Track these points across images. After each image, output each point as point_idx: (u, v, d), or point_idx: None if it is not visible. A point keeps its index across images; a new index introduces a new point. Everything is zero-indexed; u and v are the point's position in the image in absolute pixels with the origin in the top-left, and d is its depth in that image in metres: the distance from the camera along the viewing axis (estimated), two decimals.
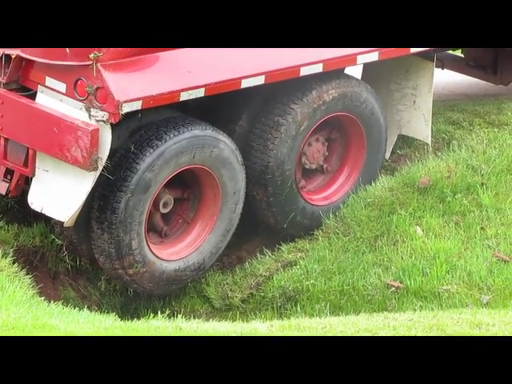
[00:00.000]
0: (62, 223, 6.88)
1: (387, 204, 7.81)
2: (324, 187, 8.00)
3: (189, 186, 7.37)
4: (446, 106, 8.99)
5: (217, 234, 7.47)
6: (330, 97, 7.63)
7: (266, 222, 7.86)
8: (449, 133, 8.61)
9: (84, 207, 6.81)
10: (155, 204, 7.13)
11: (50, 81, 6.64)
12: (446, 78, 9.34)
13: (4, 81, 6.81)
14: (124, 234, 6.95)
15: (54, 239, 7.49)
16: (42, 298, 6.82)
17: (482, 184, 7.93)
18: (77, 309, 6.78)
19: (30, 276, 7.10)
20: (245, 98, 7.39)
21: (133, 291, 7.40)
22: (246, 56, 7.10)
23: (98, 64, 6.44)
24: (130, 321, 6.52)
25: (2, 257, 7.08)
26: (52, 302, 6.78)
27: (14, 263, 7.07)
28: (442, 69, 8.99)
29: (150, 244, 7.18)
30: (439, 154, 8.31)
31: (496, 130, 8.60)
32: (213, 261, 7.56)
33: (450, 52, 9.22)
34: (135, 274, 7.11)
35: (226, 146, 7.18)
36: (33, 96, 6.81)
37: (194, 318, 6.90)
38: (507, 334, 5.88)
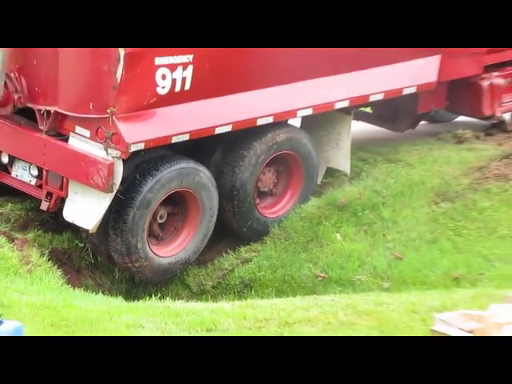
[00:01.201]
0: (88, 230, 7.00)
1: (316, 217, 7.89)
2: (272, 205, 7.99)
3: (178, 204, 7.37)
4: (358, 147, 8.84)
5: (198, 238, 7.46)
6: (281, 139, 7.69)
7: (231, 227, 7.78)
8: (359, 167, 8.61)
9: (103, 219, 6.90)
10: (154, 216, 7.17)
11: (78, 129, 6.77)
12: (358, 128, 9.22)
13: (45, 129, 6.90)
14: (132, 238, 6.99)
15: (77, 243, 7.47)
16: (69, 286, 6.96)
17: (383, 203, 8.04)
18: (94, 293, 6.87)
19: (60, 270, 7.18)
20: (219, 138, 7.36)
21: (138, 279, 7.34)
22: (219, 110, 7.14)
23: (113, 116, 6.51)
24: (132, 302, 6.61)
25: (41, 256, 7.13)
26: (76, 288, 6.92)
27: (48, 260, 7.17)
28: (357, 121, 9.07)
29: (150, 245, 7.21)
30: (353, 182, 8.36)
31: (393, 164, 8.64)
32: (195, 257, 7.54)
33: (362, 109, 9.15)
34: (140, 266, 7.15)
35: (204, 174, 7.24)
36: (66, 139, 6.92)
37: (178, 299, 6.90)
38: (401, 311, 5.97)
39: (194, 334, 5.56)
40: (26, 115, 7.11)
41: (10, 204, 7.63)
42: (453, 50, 8.35)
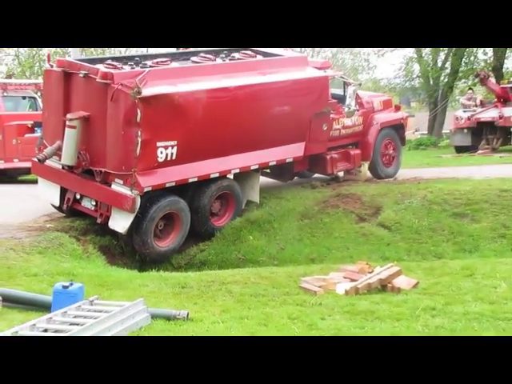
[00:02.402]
0: (122, 233, 7.02)
1: (239, 227, 7.93)
2: (218, 220, 7.94)
3: (169, 219, 7.32)
4: (262, 190, 8.56)
5: (180, 237, 7.46)
6: (224, 184, 7.71)
7: (196, 229, 7.64)
8: (262, 200, 8.48)
9: (130, 227, 6.92)
10: (156, 225, 7.18)
11: (117, 180, 6.81)
12: (262, 180, 8.81)
13: (99, 180, 6.76)
14: (145, 237, 7.07)
15: (113, 241, 7.44)
16: (108, 264, 6.96)
17: (274, 220, 8.11)
18: (122, 268, 6.86)
19: (104, 256, 7.19)
20: (191, 184, 7.33)
21: (148, 259, 7.32)
22: (190, 170, 7.15)
23: (135, 173, 6.67)
24: (142, 272, 6.54)
25: (94, 248, 7.18)
26: (112, 266, 6.93)
27: (98, 251, 7.20)
28: (262, 175, 8.85)
29: (155, 241, 7.23)
30: (259, 208, 8.36)
31: (279, 199, 8.68)
32: (178, 248, 7.51)
33: (265, 170, 8.85)
34: (149, 252, 7.20)
35: (183, 203, 7.29)
36: (110, 185, 6.90)
37: (166, 271, 6.80)
38: (284, 276, 5.79)
39: (175, 289, 5.43)
40: (89, 173, 7.13)
41: (77, 220, 7.64)
42: (311, 138, 8.61)
